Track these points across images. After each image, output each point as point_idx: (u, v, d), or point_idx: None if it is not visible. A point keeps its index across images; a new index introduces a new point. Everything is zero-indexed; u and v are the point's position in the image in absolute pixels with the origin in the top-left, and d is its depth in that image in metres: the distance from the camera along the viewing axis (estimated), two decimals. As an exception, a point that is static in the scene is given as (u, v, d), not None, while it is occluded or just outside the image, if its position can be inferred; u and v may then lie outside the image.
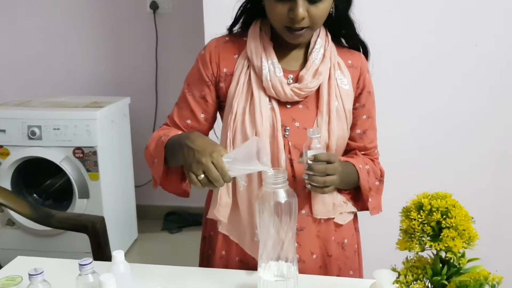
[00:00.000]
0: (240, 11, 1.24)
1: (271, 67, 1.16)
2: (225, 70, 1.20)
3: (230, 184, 1.17)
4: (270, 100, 1.17)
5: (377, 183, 1.28)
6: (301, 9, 1.06)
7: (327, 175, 1.07)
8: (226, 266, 1.25)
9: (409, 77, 2.11)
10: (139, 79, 3.33)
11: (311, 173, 1.07)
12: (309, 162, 1.07)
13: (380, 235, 1.75)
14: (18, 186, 2.73)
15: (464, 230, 0.85)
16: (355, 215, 1.32)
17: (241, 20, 1.24)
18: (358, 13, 1.23)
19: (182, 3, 3.15)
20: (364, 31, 1.26)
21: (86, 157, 2.61)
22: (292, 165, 1.17)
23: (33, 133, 2.59)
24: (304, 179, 1.09)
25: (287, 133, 1.17)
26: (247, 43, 1.19)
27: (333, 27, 1.23)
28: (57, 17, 3.27)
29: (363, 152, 1.28)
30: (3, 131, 2.61)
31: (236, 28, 1.25)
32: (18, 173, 2.69)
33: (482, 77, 2.08)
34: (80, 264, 1.00)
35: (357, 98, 1.24)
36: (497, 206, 2.18)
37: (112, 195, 2.80)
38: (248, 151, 1.01)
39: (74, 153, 2.61)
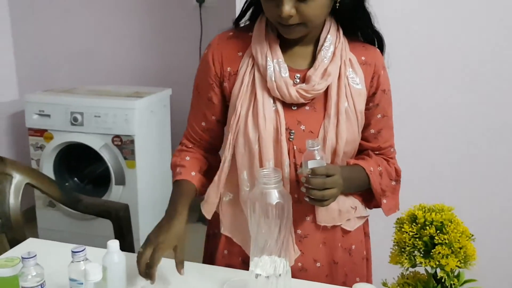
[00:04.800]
0: (247, 3, 1.18)
1: (277, 66, 1.09)
2: (228, 69, 1.15)
3: (220, 185, 1.18)
4: (274, 102, 1.11)
5: (393, 183, 1.21)
6: (287, 7, 0.99)
7: (326, 189, 1.02)
8: (228, 265, 1.23)
9: (430, 73, 1.96)
10: (182, 71, 3.35)
11: (309, 186, 1.01)
12: (308, 176, 1.01)
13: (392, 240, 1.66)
14: (61, 170, 2.84)
15: (460, 248, 0.78)
16: (366, 220, 1.25)
17: (248, 13, 1.19)
18: (375, 6, 1.15)
19: (228, -3, 3.15)
20: (381, 23, 1.17)
21: (124, 145, 2.68)
22: (296, 170, 1.12)
23: (76, 119, 2.68)
24: (303, 192, 1.04)
25: (292, 136, 1.12)
26: (252, 40, 1.13)
27: (347, 20, 1.14)
28: (107, 11, 3.36)
29: (377, 152, 1.21)
30: (48, 116, 2.73)
31: (243, 21, 1.20)
32: (60, 158, 2.80)
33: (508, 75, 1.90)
34: (72, 251, 1.00)
35: (370, 98, 1.16)
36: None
37: (148, 183, 2.85)
38: None
39: (113, 140, 2.68)
